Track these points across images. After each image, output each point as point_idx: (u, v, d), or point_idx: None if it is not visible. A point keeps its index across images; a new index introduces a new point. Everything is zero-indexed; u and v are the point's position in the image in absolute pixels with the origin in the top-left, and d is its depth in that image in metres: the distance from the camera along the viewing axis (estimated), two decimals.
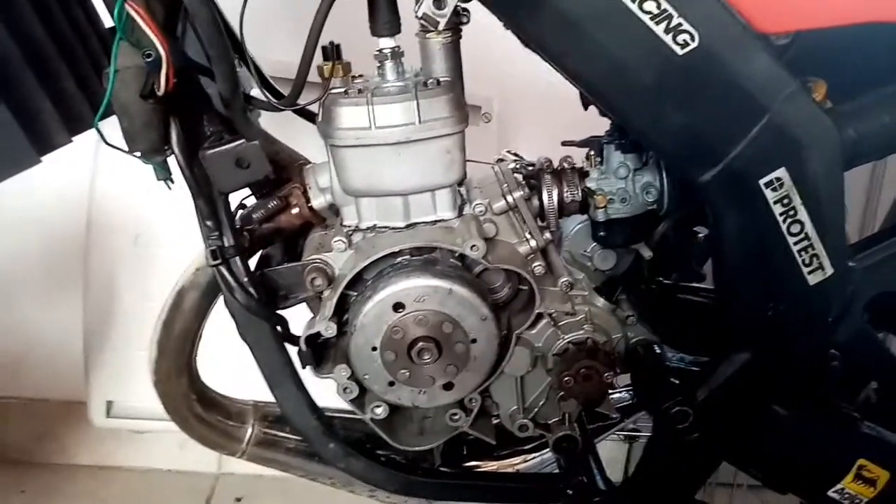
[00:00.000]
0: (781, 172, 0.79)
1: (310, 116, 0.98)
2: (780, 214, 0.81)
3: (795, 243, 0.82)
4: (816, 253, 0.83)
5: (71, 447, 1.95)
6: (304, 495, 1.88)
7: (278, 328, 0.93)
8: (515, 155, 1.06)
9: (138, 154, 0.78)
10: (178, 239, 1.63)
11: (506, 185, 0.94)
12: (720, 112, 0.77)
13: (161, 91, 0.73)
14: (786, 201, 0.80)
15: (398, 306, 0.88)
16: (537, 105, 1.85)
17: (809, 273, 0.83)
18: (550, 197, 0.95)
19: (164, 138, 0.79)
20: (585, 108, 0.98)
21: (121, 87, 0.73)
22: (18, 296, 1.83)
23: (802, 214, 0.81)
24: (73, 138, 0.82)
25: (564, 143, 1.01)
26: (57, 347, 1.87)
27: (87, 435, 1.92)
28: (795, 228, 0.81)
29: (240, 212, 0.94)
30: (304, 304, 0.99)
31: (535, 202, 0.95)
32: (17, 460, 1.92)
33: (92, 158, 1.70)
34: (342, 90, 0.86)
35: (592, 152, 0.97)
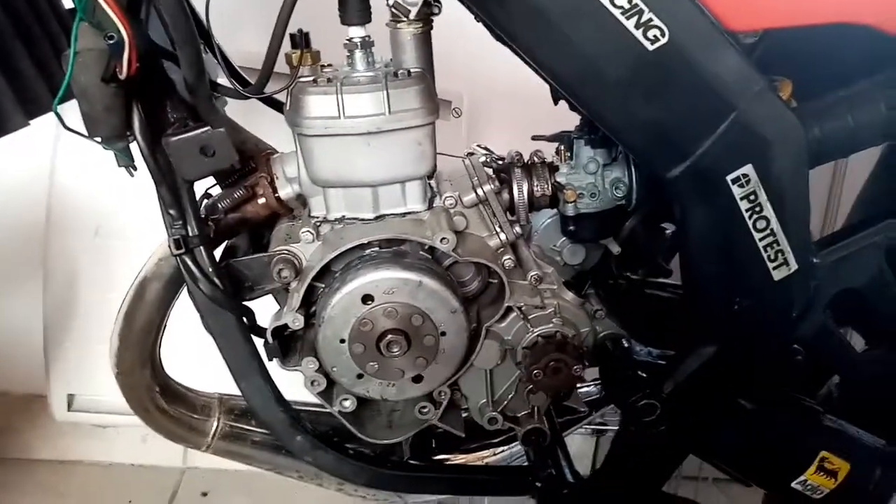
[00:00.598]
0: (748, 169, 0.80)
1: (277, 106, 0.96)
2: (747, 210, 0.81)
3: (761, 239, 0.83)
4: (781, 249, 0.84)
5: (31, 441, 1.90)
6: (269, 489, 1.86)
7: (244, 320, 0.92)
8: (486, 149, 1.05)
9: (99, 139, 0.76)
10: (139, 231, 1.60)
11: (476, 178, 0.94)
12: (689, 108, 0.78)
13: (123, 75, 0.71)
14: (752, 197, 0.81)
15: (367, 298, 0.87)
16: (507, 100, 1.85)
17: (774, 269, 0.84)
18: (521, 191, 0.95)
19: (126, 124, 0.77)
20: (556, 103, 0.98)
21: (81, 71, 0.71)
22: None
23: (768, 211, 0.82)
24: (31, 122, 0.79)
25: (535, 138, 1.01)
26: (16, 340, 1.82)
27: (48, 429, 1.88)
28: (761, 224, 0.82)
29: (205, 201, 0.92)
30: (270, 296, 0.98)
31: (506, 196, 0.95)
32: None
33: (51, 148, 1.67)
34: (311, 79, 0.85)
35: (562, 147, 0.97)
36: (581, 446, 1.84)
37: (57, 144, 1.67)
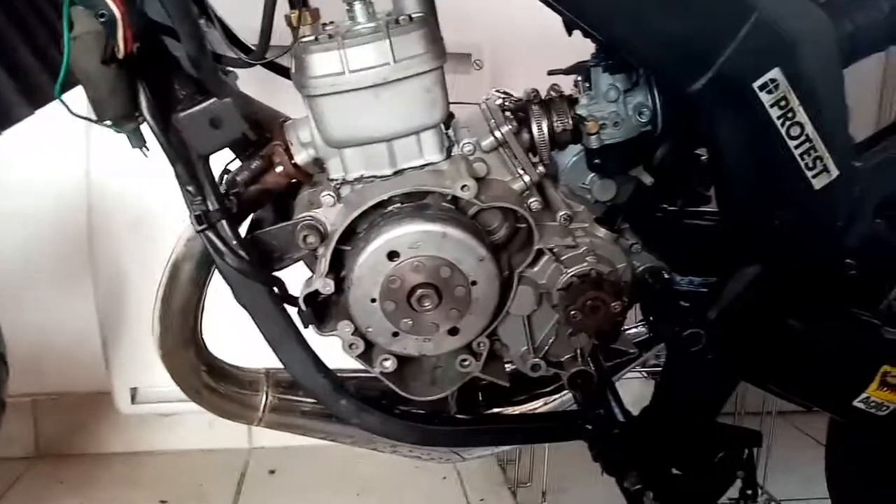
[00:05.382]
0: (776, 73, 0.75)
1: (284, 72, 0.95)
2: (778, 118, 0.77)
3: (797, 147, 0.78)
4: (820, 155, 0.79)
5: (102, 436, 1.97)
6: (334, 462, 1.90)
7: (275, 290, 0.92)
8: (504, 93, 1.02)
9: (109, 123, 0.76)
10: (180, 218, 1.62)
11: (493, 120, 0.91)
12: (705, 14, 0.74)
13: (121, 54, 0.71)
14: (783, 103, 0.76)
15: (393, 255, 0.86)
16: (529, 47, 1.80)
17: (814, 177, 0.80)
18: (540, 128, 0.92)
19: (134, 104, 0.77)
20: (569, 33, 0.94)
21: (81, 54, 0.71)
22: (30, 293, 1.84)
23: (801, 116, 0.77)
24: (36, 111, 0.80)
25: (551, 72, 0.98)
26: (75, 340, 1.89)
27: (116, 423, 1.95)
28: (795, 131, 0.78)
29: (225, 177, 0.92)
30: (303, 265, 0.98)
31: (525, 136, 0.92)
32: (52, 453, 1.95)
33: (84, 150, 1.70)
34: (312, 38, 0.83)
35: (580, 78, 0.94)
36: (640, 390, 1.82)
37: (90, 145, 1.70)
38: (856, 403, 0.94)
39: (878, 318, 0.95)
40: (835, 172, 0.80)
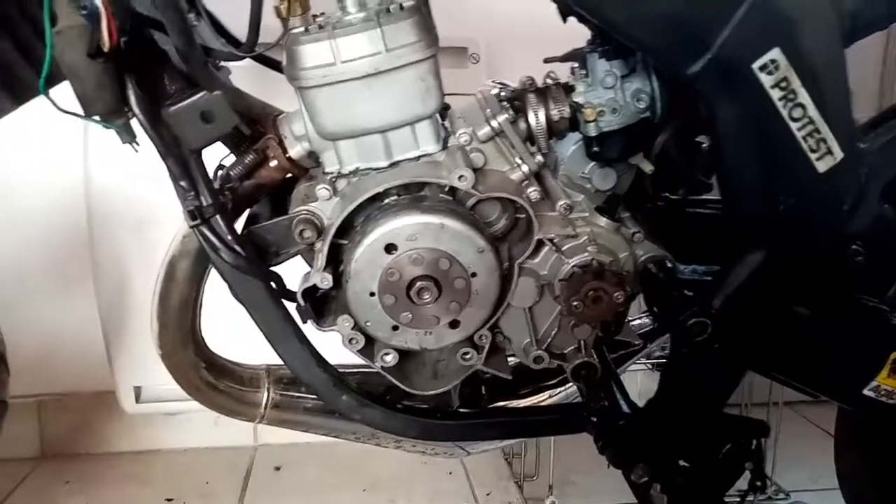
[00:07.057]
0: (775, 53, 0.73)
1: (277, 66, 0.94)
2: (780, 99, 0.75)
3: (799, 129, 0.76)
4: (823, 137, 0.77)
5: (108, 436, 1.98)
6: (341, 458, 1.90)
7: (272, 285, 0.91)
8: (500, 83, 1.01)
9: (97, 118, 0.75)
10: (178, 217, 1.61)
11: (489, 110, 0.89)
12: None
13: (107, 48, 0.69)
14: (784, 84, 0.75)
15: (390, 247, 0.84)
16: (525, 39, 1.78)
17: (818, 160, 0.78)
18: (537, 117, 0.90)
19: (122, 99, 0.75)
20: (564, 20, 0.93)
21: (66, 48, 0.70)
22: (32, 296, 1.85)
23: (803, 97, 0.75)
24: (20, 106, 0.79)
25: (547, 60, 0.96)
26: (79, 341, 1.89)
27: (122, 422, 1.95)
28: (797, 113, 0.76)
29: (219, 172, 0.91)
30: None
31: (522, 125, 0.91)
32: (58, 454, 1.96)
33: (82, 152, 1.69)
34: (302, 29, 0.82)
35: (577, 65, 0.92)
36: (646, 383, 1.81)
37: (87, 147, 1.69)
38: (865, 392, 0.92)
39: (886, 305, 0.93)
40: (839, 155, 0.78)
